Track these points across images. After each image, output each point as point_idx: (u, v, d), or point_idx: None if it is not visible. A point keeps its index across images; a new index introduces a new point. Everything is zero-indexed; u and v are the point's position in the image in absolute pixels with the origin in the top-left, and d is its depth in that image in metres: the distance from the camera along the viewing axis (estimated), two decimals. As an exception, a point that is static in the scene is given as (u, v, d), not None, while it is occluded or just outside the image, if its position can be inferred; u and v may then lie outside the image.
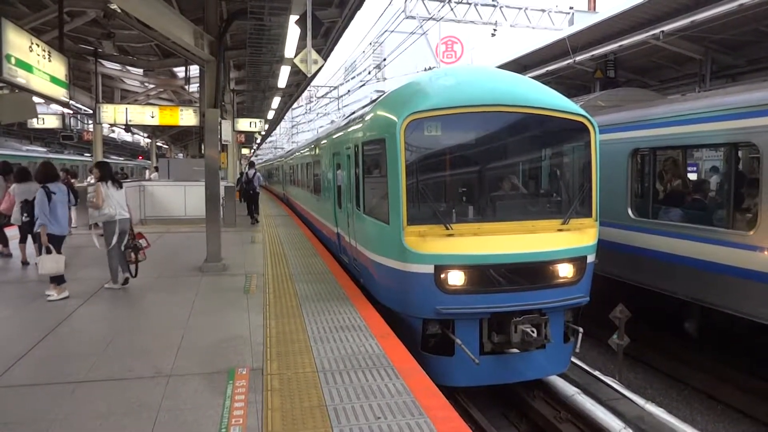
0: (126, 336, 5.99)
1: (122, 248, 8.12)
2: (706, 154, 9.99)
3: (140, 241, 8.36)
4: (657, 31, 11.51)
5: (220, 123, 11.60)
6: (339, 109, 39.28)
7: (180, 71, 18.70)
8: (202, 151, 11.14)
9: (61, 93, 8.79)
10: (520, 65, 17.19)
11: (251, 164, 18.25)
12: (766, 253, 6.39)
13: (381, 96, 8.55)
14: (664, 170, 8.56)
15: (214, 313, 6.85)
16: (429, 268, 6.09)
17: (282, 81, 15.41)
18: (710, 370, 7.90)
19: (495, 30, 18.67)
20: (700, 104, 7.52)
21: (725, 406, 7.17)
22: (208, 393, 4.50)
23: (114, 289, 8.06)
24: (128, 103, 18.10)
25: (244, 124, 20.93)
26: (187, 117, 16.51)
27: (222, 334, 6.00)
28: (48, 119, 21.82)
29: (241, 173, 19.86)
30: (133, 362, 5.18)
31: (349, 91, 34.44)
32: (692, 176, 8.35)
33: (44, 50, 8.02)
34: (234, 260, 10.21)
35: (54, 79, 8.43)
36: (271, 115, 25.44)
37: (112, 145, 44.81)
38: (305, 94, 39.34)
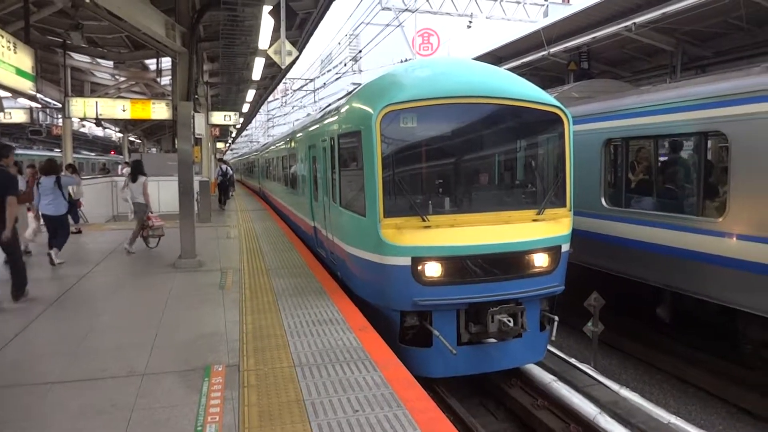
0: (98, 335, 5.88)
1: (140, 226, 10.80)
2: (677, 144, 10.17)
3: (149, 221, 10.84)
4: (629, 23, 11.64)
5: (193, 116, 11.45)
6: (315, 101, 38.98)
7: (152, 63, 18.33)
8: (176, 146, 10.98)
9: (27, 86, 8.55)
10: (495, 57, 17.26)
11: (223, 161, 19.98)
12: (734, 239, 6.54)
13: (357, 88, 8.49)
14: (636, 160, 8.69)
15: (188, 310, 6.77)
16: (406, 260, 6.09)
17: (256, 73, 15.20)
18: (682, 354, 8.08)
19: (470, 22, 18.71)
20: (670, 94, 7.63)
21: (696, 389, 7.35)
22: (183, 391, 4.44)
23: (127, 250, 10.58)
24: (98, 97, 17.66)
25: (218, 117, 20.62)
26: (159, 110, 16.19)
27: (197, 331, 5.92)
28: (15, 113, 21.15)
29: (223, 171, 22.97)
30: (106, 361, 5.08)
31: (325, 83, 34.16)
32: (663, 165, 8.48)
33: (9, 41, 7.78)
34: (209, 256, 10.10)
35: (20, 72, 8.20)
36: (246, 108, 25.11)
37: (83, 140, 43.78)
38: (281, 86, 38.95)
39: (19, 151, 29.56)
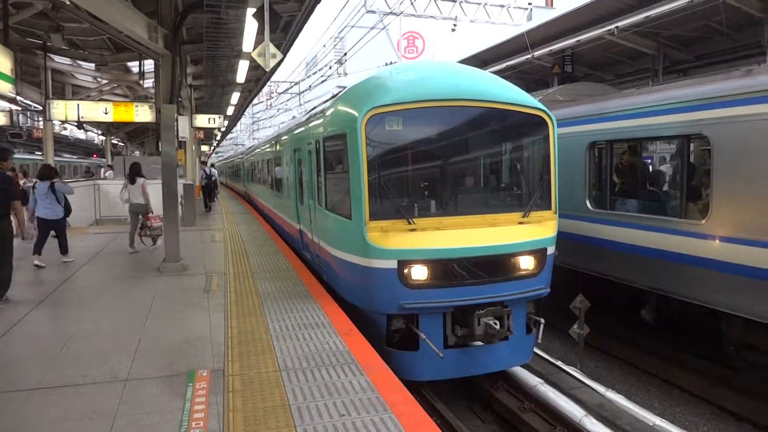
0: (81, 339, 5.79)
1: (138, 226, 11.22)
2: (660, 146, 10.29)
3: (147, 221, 11.16)
4: (612, 26, 11.78)
5: (177, 119, 11.34)
6: (300, 104, 38.94)
7: (134, 66, 18.15)
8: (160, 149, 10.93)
9: (6, 88, 8.40)
10: (480, 60, 17.35)
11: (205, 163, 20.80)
12: (717, 241, 6.62)
13: (342, 91, 8.49)
14: (620, 162, 8.78)
15: (173, 315, 6.70)
16: (392, 263, 6.09)
17: (241, 76, 15.15)
18: (667, 356, 8.16)
19: (455, 25, 18.81)
20: (653, 97, 7.73)
21: (681, 391, 7.42)
22: (166, 397, 4.39)
23: (130, 252, 11.00)
24: (80, 99, 17.47)
25: (202, 120, 20.49)
26: (142, 113, 16.02)
27: (181, 335, 5.86)
28: (-5, 116, 20.83)
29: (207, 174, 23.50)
30: (88, 367, 5.00)
31: (310, 86, 34.10)
32: (647, 168, 8.58)
33: (-13, 44, 7.64)
34: (194, 260, 10.01)
35: (-1, 74, 8.05)
36: (230, 110, 25.02)
37: (65, 143, 43.28)
38: (266, 89, 38.86)
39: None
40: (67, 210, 10.22)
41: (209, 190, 22.53)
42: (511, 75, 15.99)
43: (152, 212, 11.23)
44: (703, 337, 7.90)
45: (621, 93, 9.63)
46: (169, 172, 9.53)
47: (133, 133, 30.90)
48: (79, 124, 20.22)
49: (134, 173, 11.15)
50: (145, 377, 4.77)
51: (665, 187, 8.54)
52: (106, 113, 15.80)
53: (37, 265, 9.41)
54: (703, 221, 6.79)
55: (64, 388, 4.57)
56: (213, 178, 23.56)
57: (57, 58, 16.51)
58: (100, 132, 30.17)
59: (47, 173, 9.96)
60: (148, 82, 18.89)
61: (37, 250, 9.60)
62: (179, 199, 11.73)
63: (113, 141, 32.93)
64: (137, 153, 34.21)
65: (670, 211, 7.61)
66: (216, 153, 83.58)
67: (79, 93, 18.85)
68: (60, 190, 9.87)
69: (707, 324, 7.36)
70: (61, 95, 17.51)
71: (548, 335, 8.59)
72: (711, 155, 6.71)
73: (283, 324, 6.16)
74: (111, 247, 11.80)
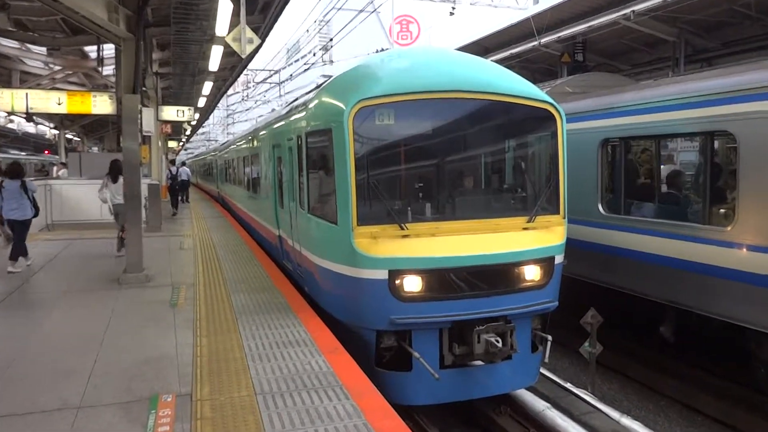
0: (27, 361, 5.72)
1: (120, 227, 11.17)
2: (681, 144, 10.38)
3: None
4: (627, 10, 11.89)
5: (141, 111, 11.29)
6: (281, 95, 38.95)
7: (92, 51, 18.03)
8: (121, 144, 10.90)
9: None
10: (481, 47, 17.46)
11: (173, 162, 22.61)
12: (744, 250, 6.67)
13: (327, 80, 8.49)
14: (636, 162, 8.83)
15: (134, 332, 6.65)
16: (382, 274, 6.08)
17: (214, 63, 15.10)
18: (689, 377, 8.19)
19: (453, 8, 18.88)
20: (673, 90, 7.79)
21: (704, 417, 7.46)
22: (124, 426, 4.34)
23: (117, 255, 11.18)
24: (29, 88, 17.32)
25: (170, 112, 20.43)
26: (101, 104, 15.86)
27: (143, 355, 5.81)
28: (-68, 108, 20.65)
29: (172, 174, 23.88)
30: (34, 393, 4.94)
31: (291, 75, 34.14)
32: (666, 168, 8.64)
33: None
34: (159, 270, 9.97)
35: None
36: (202, 102, 24.95)
37: (12, 138, 42.90)
38: (242, 78, 38.76)
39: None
40: (37, 210, 10.46)
41: (175, 191, 22.80)
42: (516, 64, 16.10)
43: None
44: (729, 357, 7.95)
45: (638, 85, 9.72)
46: (131, 170, 9.48)
47: (90, 126, 30.71)
48: (28, 116, 20.06)
49: (117, 171, 11.19)
50: (101, 404, 4.72)
51: (686, 190, 8.60)
52: (59, 104, 15.63)
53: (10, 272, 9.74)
54: (729, 227, 6.84)
55: (8, 418, 4.50)
56: (182, 179, 24.03)
57: (2, 40, 16.37)
58: (52, 125, 29.92)
59: (17, 171, 10.26)
60: (108, 70, 18.74)
61: (15, 255, 9.92)
62: (143, 202, 11.70)
63: (68, 135, 32.71)
64: (95, 149, 34.03)
65: (692, 216, 7.66)
66: (186, 150, 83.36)
67: (28, 81, 18.73)
68: (30, 188, 10.19)
69: (734, 342, 7.41)
70: (7, 83, 17.38)
71: (556, 354, 8.62)
72: (737, 154, 6.76)
73: (259, 342, 6.13)
74: (64, 256, 11.70)
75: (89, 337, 6.42)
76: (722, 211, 7.23)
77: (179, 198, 23.76)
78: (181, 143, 56.38)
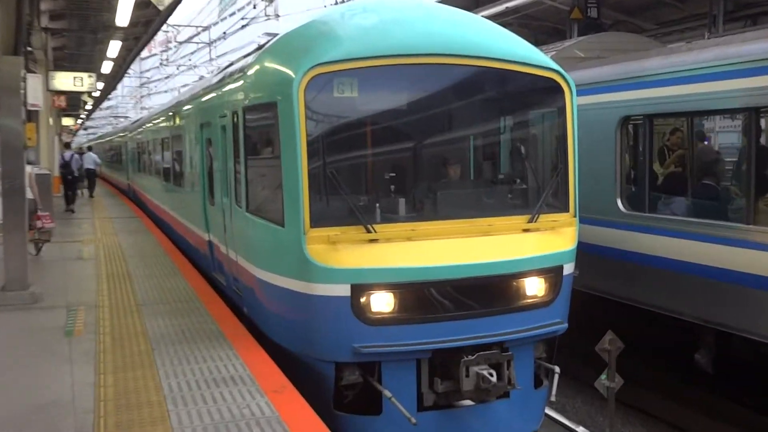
0: None
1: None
2: (721, 123, 10.56)
3: (37, 221, 11.80)
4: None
5: (25, 78, 11.08)
6: (211, 59, 38.75)
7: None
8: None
9: None
10: (470, 0, 17.54)
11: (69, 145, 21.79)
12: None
13: (271, 40, 8.46)
14: (665, 145, 8.96)
15: (15, 369, 6.57)
16: (343, 289, 6.06)
17: (122, 17, 14.93)
18: (729, 417, 8.34)
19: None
20: (710, 55, 7.92)
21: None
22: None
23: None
24: None
25: (64, 80, 20.19)
26: (-30, 69, 15.61)
27: (29, 400, 5.73)
28: None
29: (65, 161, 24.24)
30: None
31: (225, 33, 33.97)
32: (702, 154, 8.76)
33: None
34: (50, 286, 9.90)
35: None
36: (107, 67, 24.68)
37: None
38: (160, 37, 38.36)
39: None
40: None
41: (69, 183, 22.81)
42: (513, 21, 16.21)
43: (41, 209, 11.61)
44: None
45: (665, 49, 9.87)
46: (12, 156, 9.31)
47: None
48: None
49: None
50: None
51: (726, 181, 8.74)
52: None
53: None
54: (780, 228, 6.98)
55: None
56: (87, 168, 24.37)
57: None
58: None
59: None
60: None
61: None
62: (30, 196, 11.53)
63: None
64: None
65: (733, 213, 7.79)
66: (85, 129, 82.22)
67: None
68: None
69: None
70: None
71: (565, 389, 8.70)
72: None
73: (183, 379, 6.07)
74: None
75: (-45, 376, 6.32)
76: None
77: (78, 192, 23.68)
78: (79, 121, 55.58)
